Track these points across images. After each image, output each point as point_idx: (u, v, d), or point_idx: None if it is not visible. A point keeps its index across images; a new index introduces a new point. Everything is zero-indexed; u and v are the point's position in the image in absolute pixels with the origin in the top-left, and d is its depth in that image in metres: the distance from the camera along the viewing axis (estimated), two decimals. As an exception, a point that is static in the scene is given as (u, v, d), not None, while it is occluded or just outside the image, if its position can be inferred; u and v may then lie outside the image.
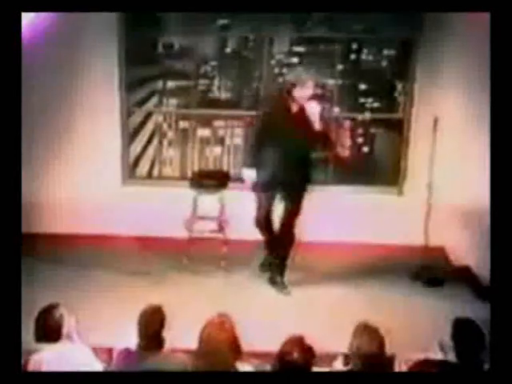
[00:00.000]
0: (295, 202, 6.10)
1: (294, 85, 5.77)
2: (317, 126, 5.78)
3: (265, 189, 6.06)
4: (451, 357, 3.84)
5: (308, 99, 5.81)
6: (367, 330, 3.74)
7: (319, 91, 6.56)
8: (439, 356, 3.93)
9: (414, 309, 5.73)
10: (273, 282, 6.25)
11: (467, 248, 6.55)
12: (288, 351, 3.58)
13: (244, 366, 3.80)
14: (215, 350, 3.62)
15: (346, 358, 3.82)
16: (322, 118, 5.82)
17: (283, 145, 5.85)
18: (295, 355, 3.54)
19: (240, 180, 6.30)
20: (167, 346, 4.02)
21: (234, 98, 7.90)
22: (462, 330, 3.89)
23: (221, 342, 3.63)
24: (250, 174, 6.05)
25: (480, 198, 5.42)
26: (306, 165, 6.10)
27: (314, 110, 5.79)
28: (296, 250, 6.56)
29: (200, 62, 7.75)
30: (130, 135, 7.58)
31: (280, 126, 5.82)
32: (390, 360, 4.14)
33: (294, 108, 5.85)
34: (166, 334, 4.02)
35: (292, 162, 5.90)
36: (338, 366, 3.93)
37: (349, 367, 3.77)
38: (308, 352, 3.60)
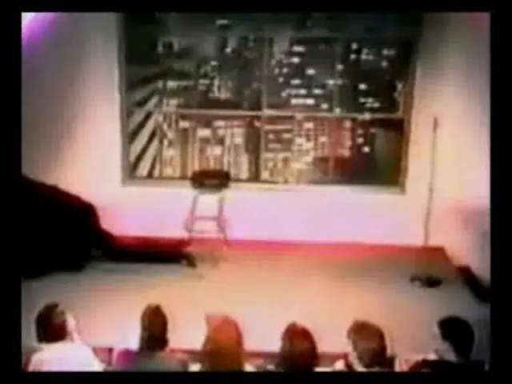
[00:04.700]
0: None
1: None
2: None
3: None
4: (450, 357, 3.85)
5: None
6: (363, 328, 3.75)
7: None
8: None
9: (414, 309, 5.73)
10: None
11: (467, 248, 6.55)
12: (290, 338, 3.64)
13: (246, 366, 3.81)
14: (226, 350, 3.62)
15: (347, 359, 3.83)
16: None
17: None
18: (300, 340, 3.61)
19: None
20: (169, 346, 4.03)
21: (233, 97, 7.91)
22: (450, 327, 3.90)
23: (231, 342, 3.64)
24: None
25: (480, 198, 5.41)
26: None
27: None
28: (295, 250, 6.58)
29: (200, 62, 7.75)
30: (129, 135, 7.59)
31: None
32: (390, 360, 4.13)
33: None
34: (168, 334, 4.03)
35: None
36: (339, 366, 3.93)
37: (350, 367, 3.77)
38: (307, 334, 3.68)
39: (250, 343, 3.86)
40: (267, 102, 7.53)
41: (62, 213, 6.51)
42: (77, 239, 6.55)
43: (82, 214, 6.66)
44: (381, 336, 3.69)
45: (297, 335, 3.68)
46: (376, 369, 3.63)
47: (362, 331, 3.73)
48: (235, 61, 7.76)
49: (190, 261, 6.63)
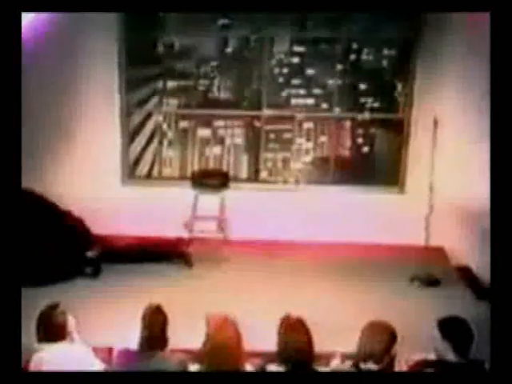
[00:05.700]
0: None
1: None
2: None
3: None
4: (449, 357, 3.85)
5: None
6: (376, 328, 3.78)
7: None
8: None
9: (414, 309, 5.73)
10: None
11: (467, 248, 6.55)
12: (285, 329, 3.71)
13: (245, 366, 3.81)
14: (225, 350, 3.62)
15: (343, 357, 3.85)
16: None
17: None
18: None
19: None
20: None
21: (233, 98, 7.90)
22: (449, 327, 3.91)
23: (231, 342, 3.64)
24: None
25: (480, 198, 5.42)
26: None
27: None
28: (295, 250, 6.57)
29: (200, 62, 7.75)
30: (130, 135, 7.59)
31: None
32: (390, 360, 4.13)
33: None
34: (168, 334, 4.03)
35: None
36: (336, 364, 3.94)
37: (348, 366, 3.78)
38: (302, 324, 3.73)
39: (250, 343, 3.86)
40: (267, 102, 7.53)
41: (55, 220, 6.54)
42: (74, 244, 6.54)
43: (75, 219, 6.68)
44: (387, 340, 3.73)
45: (291, 326, 3.70)
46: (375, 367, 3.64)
47: (369, 333, 3.76)
48: (235, 61, 7.75)
49: (187, 260, 6.63)
